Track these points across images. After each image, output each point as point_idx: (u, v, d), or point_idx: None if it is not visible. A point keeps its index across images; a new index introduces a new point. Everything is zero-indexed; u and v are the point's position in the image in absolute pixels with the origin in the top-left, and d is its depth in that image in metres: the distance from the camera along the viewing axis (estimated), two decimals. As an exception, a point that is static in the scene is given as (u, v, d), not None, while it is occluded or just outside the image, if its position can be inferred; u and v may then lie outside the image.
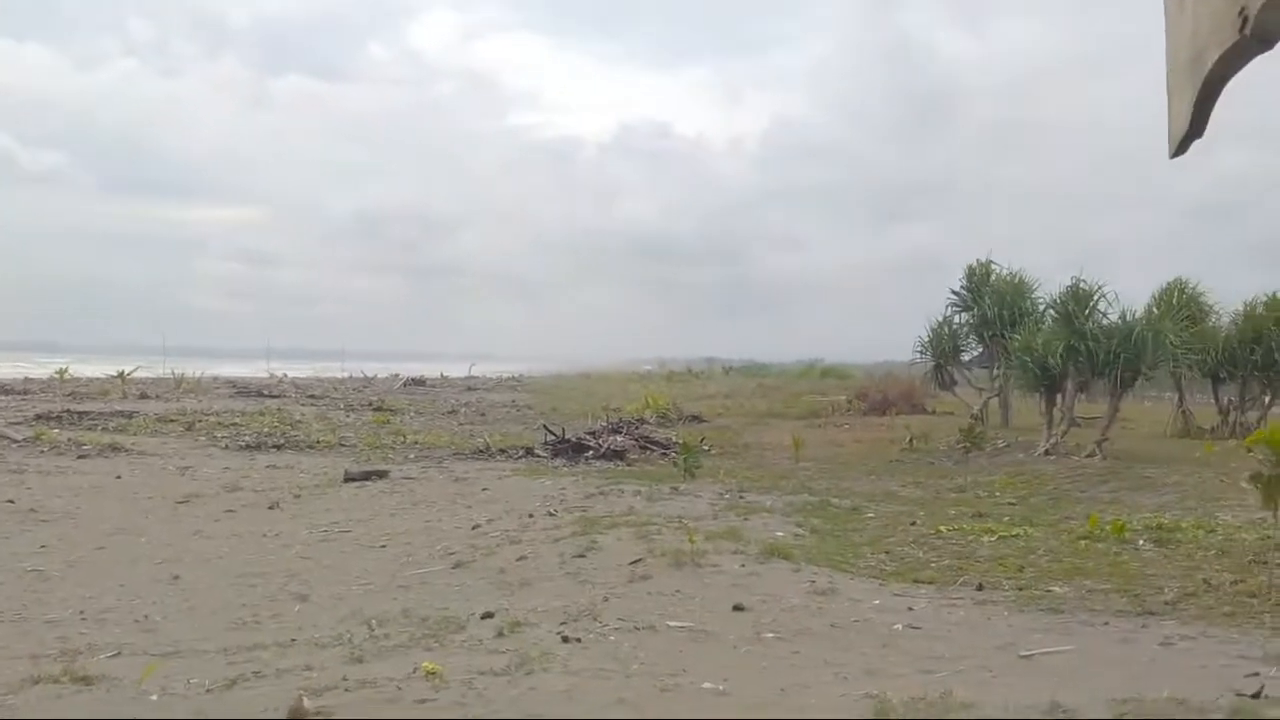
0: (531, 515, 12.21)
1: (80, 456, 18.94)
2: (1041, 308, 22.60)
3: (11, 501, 13.51)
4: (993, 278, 24.06)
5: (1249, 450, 8.78)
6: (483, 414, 33.45)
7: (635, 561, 9.21)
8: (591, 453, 20.29)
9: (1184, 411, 23.49)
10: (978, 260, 24.55)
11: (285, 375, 58.06)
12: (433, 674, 5.80)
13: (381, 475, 16.01)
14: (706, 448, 22.14)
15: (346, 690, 5.62)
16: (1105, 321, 19.05)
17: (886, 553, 10.35)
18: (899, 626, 7.27)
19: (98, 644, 7.02)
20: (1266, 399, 22.81)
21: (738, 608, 7.66)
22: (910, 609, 7.84)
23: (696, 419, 30.79)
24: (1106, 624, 7.42)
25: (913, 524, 11.96)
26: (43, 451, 19.46)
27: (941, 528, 11.52)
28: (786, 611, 7.62)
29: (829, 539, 11.14)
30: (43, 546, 10.85)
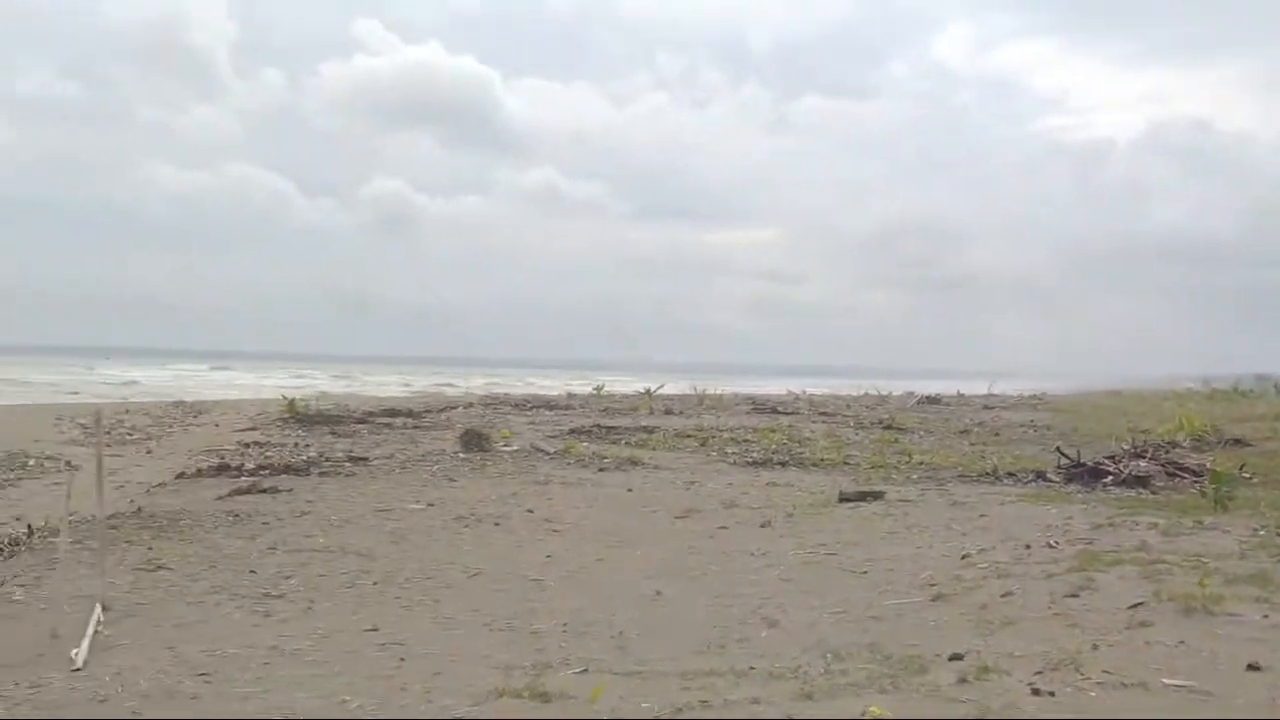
0: (1029, 546, 11.32)
1: (600, 470, 20.19)
2: None
3: (531, 511, 14.59)
4: None
5: None
6: (996, 434, 32.09)
7: (1135, 605, 8.19)
8: (1110, 479, 18.71)
9: None
10: None
11: (804, 392, 59.31)
12: (879, 720, 5.37)
13: (877, 496, 15.64)
14: (1246, 475, 19.77)
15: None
16: None
17: None
18: None
19: (571, 659, 7.23)
20: None
21: (1253, 667, 6.54)
22: None
23: (1239, 443, 27.64)
24: None
25: None
26: (569, 464, 20.94)
27: None
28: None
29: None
30: (548, 556, 11.54)
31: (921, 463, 22.34)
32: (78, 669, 6.90)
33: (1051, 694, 5.93)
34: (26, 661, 7.19)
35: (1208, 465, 20.04)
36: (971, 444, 28.44)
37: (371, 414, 35.30)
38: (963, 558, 10.85)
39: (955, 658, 6.80)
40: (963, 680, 6.22)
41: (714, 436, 28.03)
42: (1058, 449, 21.19)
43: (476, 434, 23.92)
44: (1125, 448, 21.53)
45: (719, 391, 49.73)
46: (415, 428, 30.79)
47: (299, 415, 33.21)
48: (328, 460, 20.82)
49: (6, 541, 12.07)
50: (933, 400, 50.72)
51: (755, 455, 23.39)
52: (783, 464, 21.94)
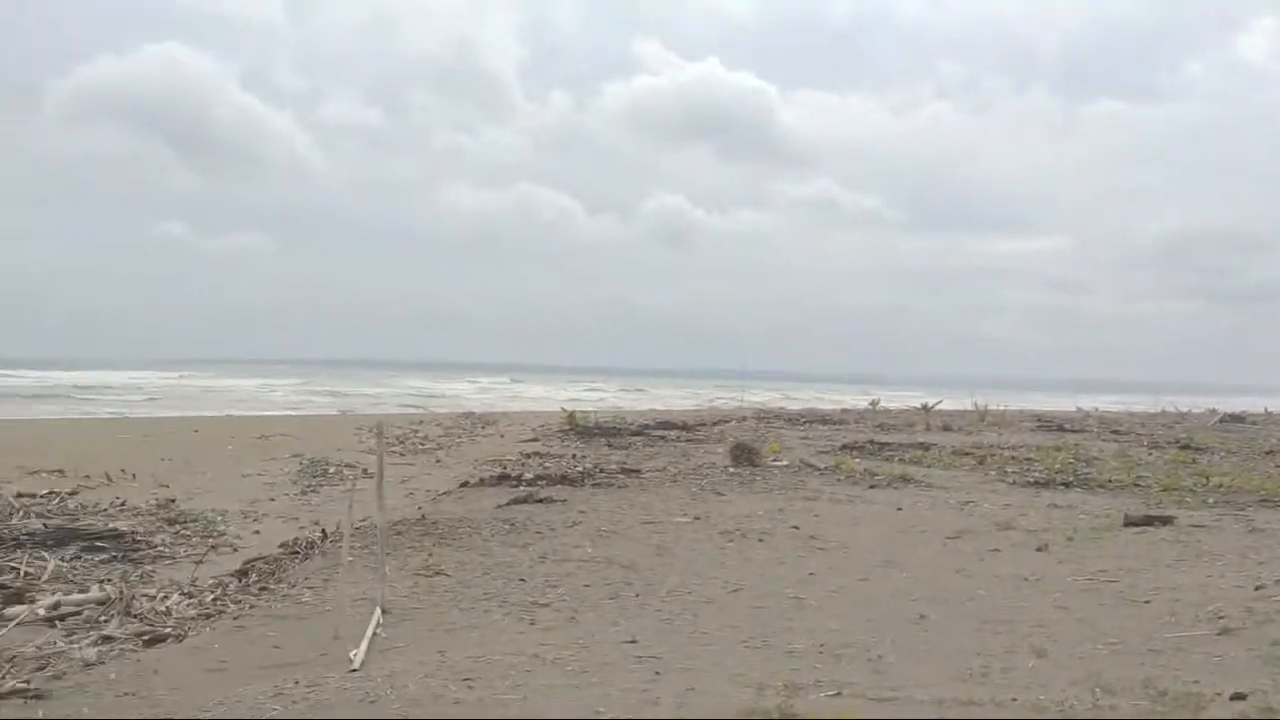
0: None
1: (871, 486, 19.85)
2: None
3: (796, 528, 14.49)
4: None
5: None
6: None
7: None
8: None
9: None
10: None
11: (1094, 409, 56.59)
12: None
13: (1166, 521, 14.69)
14: None
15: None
16: None
17: None
18: None
19: (824, 680, 7.12)
20: None
21: None
22: None
23: None
24: None
25: None
26: (838, 480, 20.69)
27: None
28: None
29: None
30: (810, 574, 11.43)
31: (1219, 485, 20.86)
32: (354, 670, 7.32)
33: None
34: (309, 661, 7.70)
35: None
36: (1277, 465, 26.35)
37: (646, 427, 36.05)
38: (1257, 589, 10.07)
39: (1237, 697, 6.32)
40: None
41: (993, 455, 27.09)
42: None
43: (746, 448, 24.00)
44: None
45: (1001, 407, 47.95)
46: (688, 441, 31.21)
47: (578, 427, 34.27)
48: (601, 471, 21.36)
49: (302, 545, 12.98)
50: (1236, 419, 47.36)
51: (1037, 475, 22.43)
52: (1066, 485, 20.95)
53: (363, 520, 13.69)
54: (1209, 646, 8.04)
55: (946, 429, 38.06)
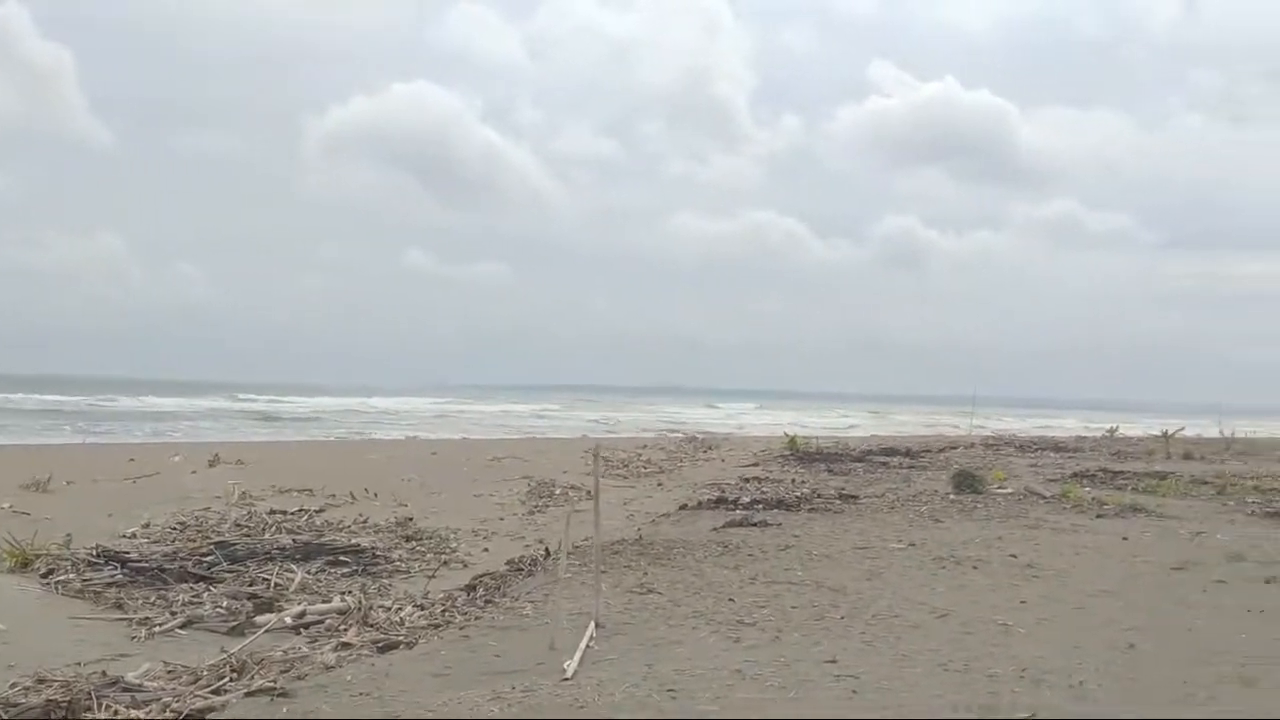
0: None
1: (1098, 516, 19.31)
2: None
3: (1014, 556, 14.32)
4: None
5: None
6: None
7: None
8: None
9: None
10: None
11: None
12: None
13: None
14: None
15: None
16: None
17: None
18: None
19: (1020, 704, 7.21)
20: None
21: None
22: None
23: None
24: None
25: None
26: (1064, 509, 20.21)
27: None
28: None
29: None
30: (1022, 602, 11.35)
31: None
32: (566, 679, 7.83)
33: None
34: (526, 669, 8.25)
35: None
36: None
37: (869, 453, 35.89)
38: None
39: None
40: None
41: (1235, 484, 25.83)
42: None
43: (969, 475, 23.69)
44: None
45: (1251, 434, 45.45)
46: (910, 467, 30.95)
47: (799, 452, 34.41)
48: (819, 496, 21.51)
49: (526, 563, 13.72)
50: None
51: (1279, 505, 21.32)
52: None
53: (584, 540, 14.33)
54: None
55: (1188, 457, 36.40)
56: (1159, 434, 41.28)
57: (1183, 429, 43.15)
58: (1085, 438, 47.88)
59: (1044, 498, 21.93)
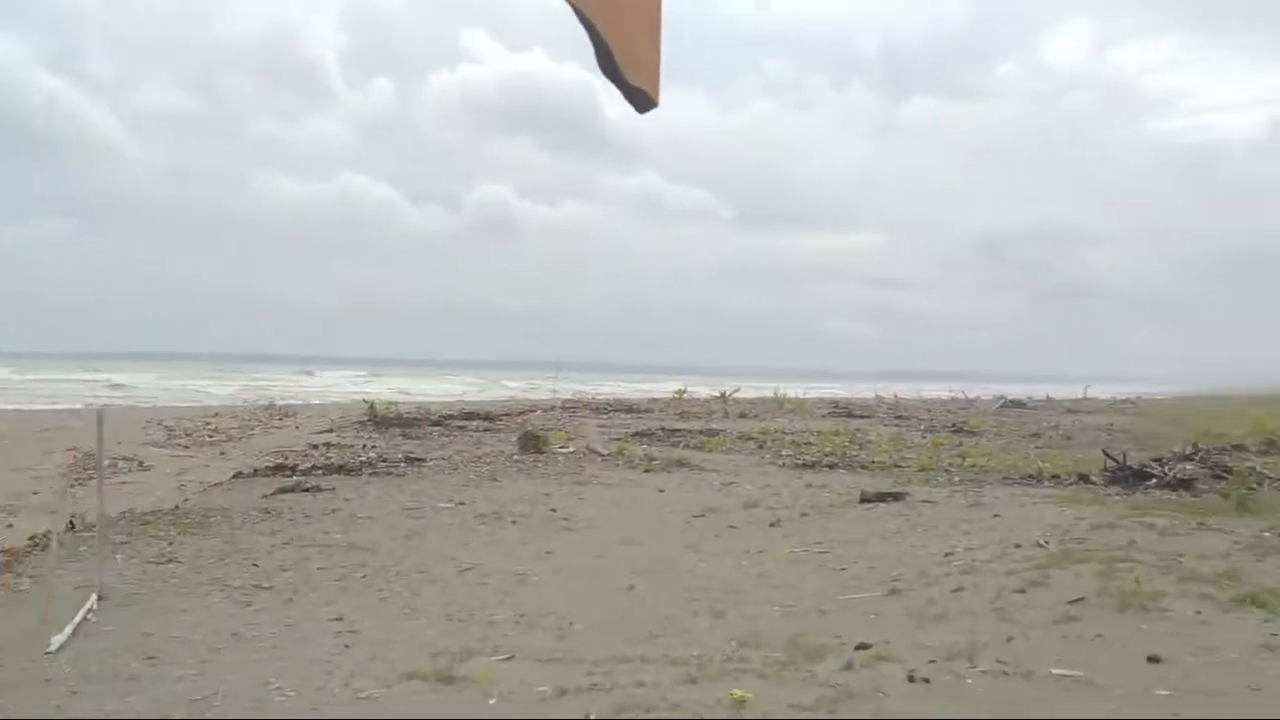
0: (1019, 545, 11.40)
1: (646, 471, 20.49)
2: None
3: (554, 510, 14.96)
4: None
5: None
6: (1069, 437, 31.69)
7: (1075, 601, 8.31)
8: (1154, 481, 18.46)
9: None
10: None
11: (894, 396, 58.95)
12: (740, 702, 5.67)
13: (898, 497, 15.72)
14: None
15: (646, 712, 5.64)
16: None
17: None
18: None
19: (504, 647, 7.60)
20: None
21: (1153, 659, 6.67)
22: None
23: (1314, 445, 26.94)
24: None
25: None
26: (618, 466, 21.30)
27: None
28: (1214, 667, 6.52)
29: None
30: (548, 553, 11.90)
31: (973, 465, 22.21)
32: (49, 651, 7.47)
33: (926, 680, 6.14)
34: (8, 645, 7.79)
35: (1257, 469, 19.70)
36: (1037, 447, 28.16)
37: (449, 417, 36.11)
38: (945, 555, 10.99)
39: (862, 647, 7.02)
40: (847, 668, 6.48)
41: (777, 439, 28.14)
42: (1104, 451, 20.90)
43: (533, 436, 24.42)
44: (1175, 450, 21.17)
45: (802, 395, 49.67)
46: (486, 430, 31.46)
47: (377, 418, 34.15)
48: (384, 461, 21.47)
49: (49, 537, 12.86)
50: (1017, 404, 50.10)
51: (809, 458, 23.45)
52: (831, 466, 22.00)
53: (125, 511, 13.67)
54: (873, 606, 8.81)
55: (743, 416, 39.26)
56: (719, 395, 44.29)
57: (739, 390, 46.50)
58: (657, 399, 50.46)
59: (601, 455, 22.99)
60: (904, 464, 22.49)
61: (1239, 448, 25.27)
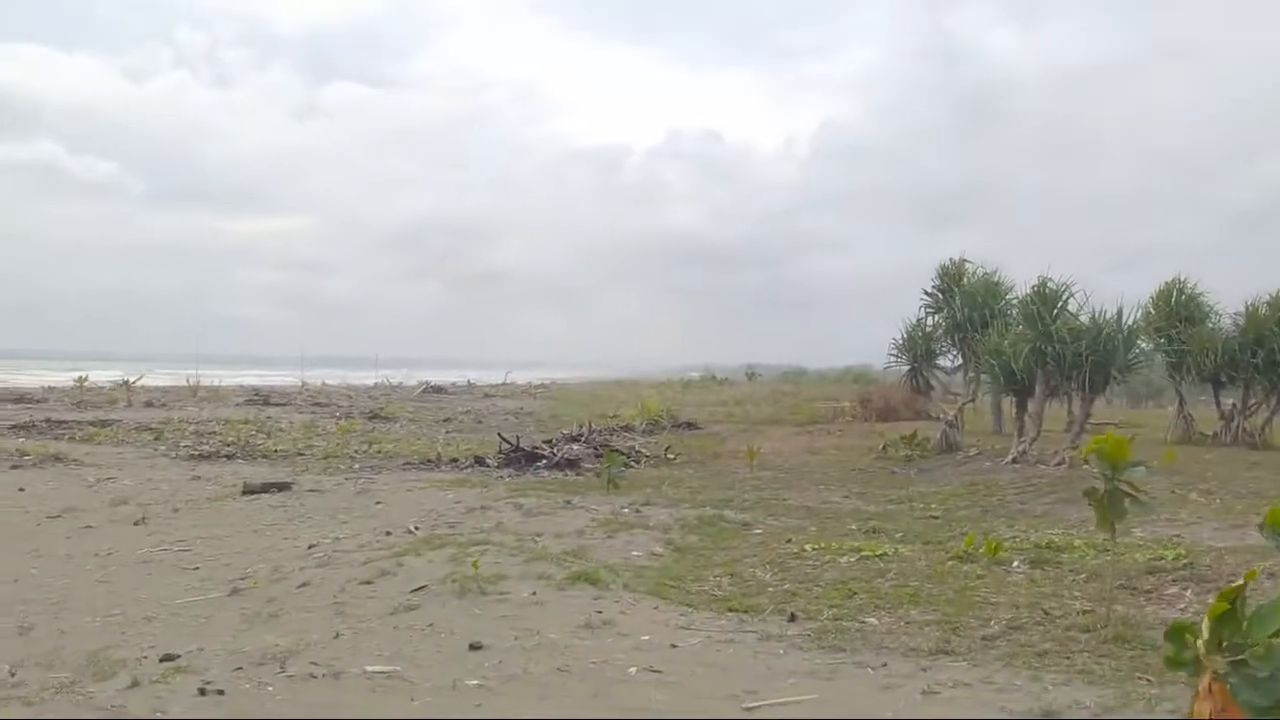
0: (389, 532, 11.37)
1: (14, 467, 18.43)
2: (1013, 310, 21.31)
3: (-125, 517, 12.94)
4: (965, 279, 22.76)
5: (1087, 462, 7.72)
6: (480, 421, 32.75)
7: (418, 589, 8.31)
8: (545, 462, 19.41)
9: (1185, 416, 22.14)
10: (950, 259, 23.37)
11: (322, 383, 58.03)
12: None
13: (283, 488, 15.25)
14: (670, 456, 21.26)
15: None
16: (1074, 323, 17.78)
17: (731, 575, 9.38)
18: (633, 670, 6.31)
19: None
20: (1273, 402, 21.38)
21: (475, 646, 6.73)
22: (675, 645, 6.87)
23: (691, 425, 29.85)
24: (884, 665, 6.41)
25: (788, 541, 10.95)
26: (-21, 463, 18.97)
27: (809, 546, 10.52)
28: (530, 650, 6.67)
29: (686, 558, 10.22)
30: None
31: (379, 451, 22.20)
32: None
33: (221, 692, 5.76)
34: None
35: (637, 448, 21.38)
36: (449, 432, 28.73)
37: None
38: (310, 548, 10.66)
39: (167, 658, 6.49)
40: (134, 685, 5.91)
41: (178, 429, 26.47)
42: (499, 435, 21.72)
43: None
44: (565, 432, 22.47)
45: (217, 383, 47.49)
46: None
47: None
48: None
49: None
50: (437, 390, 51.19)
51: (208, 448, 22.25)
52: (230, 457, 21.03)
53: None
54: (208, 608, 8.17)
55: (150, 405, 36.77)
56: (123, 383, 41.34)
57: (142, 377, 43.74)
58: (56, 388, 46.07)
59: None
60: (308, 452, 22.02)
61: (627, 428, 27.38)
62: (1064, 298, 18.27)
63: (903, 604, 8.03)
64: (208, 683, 5.89)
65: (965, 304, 21.78)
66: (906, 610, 7.84)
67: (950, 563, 9.45)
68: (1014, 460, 17.63)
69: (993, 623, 7.39)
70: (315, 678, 6.07)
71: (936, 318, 23.01)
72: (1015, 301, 21.07)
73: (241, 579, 9.22)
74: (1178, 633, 3.69)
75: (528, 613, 7.66)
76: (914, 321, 22.94)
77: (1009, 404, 22.92)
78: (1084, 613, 7.55)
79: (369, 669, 6.26)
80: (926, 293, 23.19)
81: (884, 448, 19.99)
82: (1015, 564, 9.32)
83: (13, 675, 6.26)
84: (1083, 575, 8.82)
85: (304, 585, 8.75)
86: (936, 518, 13.07)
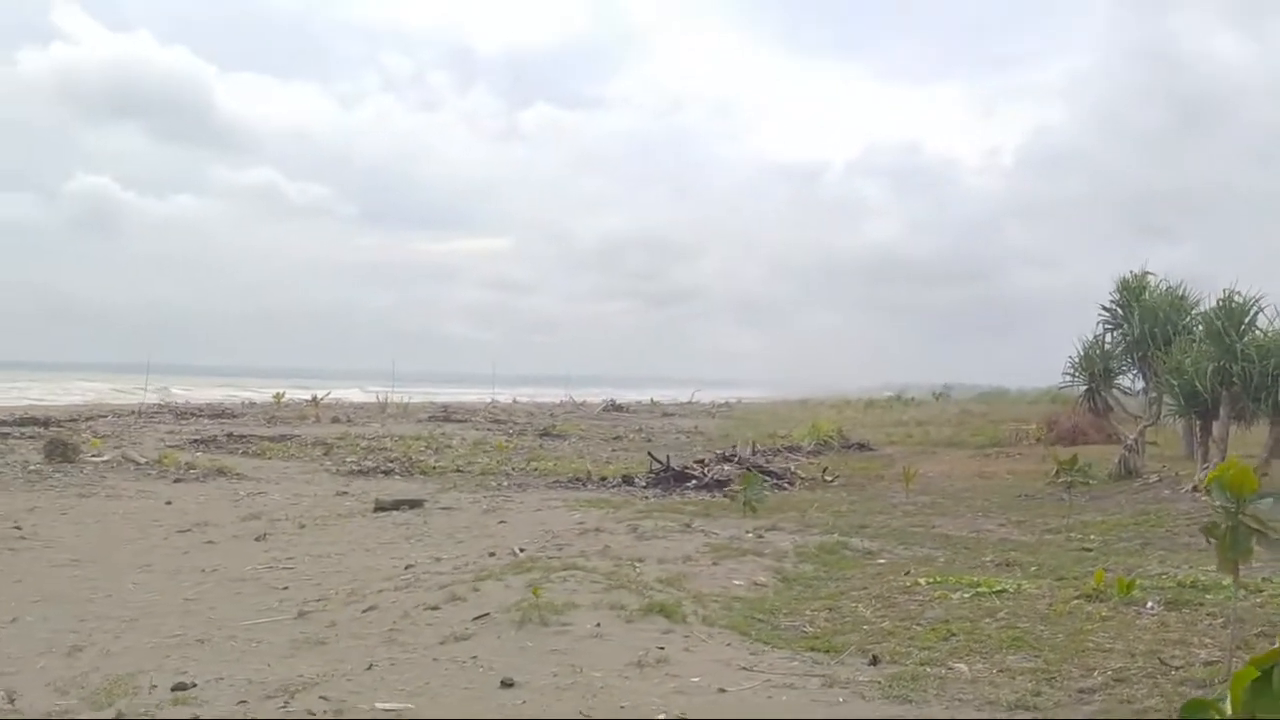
0: (493, 553, 10.94)
1: (177, 480, 18.88)
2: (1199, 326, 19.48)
3: (17, 527, 13.23)
4: (1147, 292, 20.96)
5: (1208, 493, 6.62)
6: (649, 440, 32.31)
7: (479, 617, 7.79)
8: (694, 482, 18.81)
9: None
10: (1131, 272, 21.61)
11: (513, 400, 58.93)
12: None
13: (414, 505, 15.07)
14: (828, 478, 20.34)
15: None
16: (1264, 340, 16.08)
17: (831, 609, 8.60)
18: (661, 717, 5.63)
19: None
20: None
21: (506, 684, 6.17)
22: (723, 689, 6.15)
23: (862, 446, 28.74)
24: (951, 724, 5.55)
25: (906, 573, 10.02)
26: (149, 475, 19.53)
27: (924, 580, 9.56)
28: (563, 690, 6.10)
29: (790, 589, 9.48)
30: (-41, 576, 10.34)
31: (537, 469, 22.03)
32: None
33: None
34: None
35: (793, 469, 20.52)
36: (613, 450, 28.43)
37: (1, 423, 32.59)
38: (406, 568, 10.32)
39: (179, 688, 6.13)
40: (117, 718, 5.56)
41: (351, 445, 26.95)
42: (649, 454, 21.18)
43: (61, 443, 22.12)
44: (719, 451, 21.79)
45: (406, 399, 48.55)
46: (30, 437, 28.48)
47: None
48: None
49: None
50: (617, 407, 51.12)
51: (370, 464, 22.48)
52: (387, 473, 21.16)
53: None
54: (270, 632, 7.84)
55: (336, 420, 37.76)
56: (311, 399, 42.65)
57: (330, 394, 45.04)
58: (256, 404, 47.99)
59: (136, 464, 21.10)
60: (468, 469, 21.98)
61: (793, 449, 26.50)
62: (1253, 312, 16.59)
63: (1002, 648, 7.08)
64: (198, 718, 5.48)
65: (1145, 320, 20.09)
66: (1004, 656, 6.89)
67: (1074, 602, 8.37)
68: (1194, 488, 16.06)
69: (1096, 673, 6.39)
70: (314, 715, 5.58)
71: (1115, 334, 21.31)
72: (1200, 317, 19.29)
73: (318, 600, 8.91)
74: (1196, 709, 2.80)
75: (582, 647, 7.07)
76: (1091, 339, 21.32)
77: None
78: (1209, 664, 6.46)
79: (379, 706, 5.76)
80: (1104, 308, 21.52)
81: (1056, 473, 18.49)
82: (1149, 605, 8.19)
83: (11, 702, 6.00)
84: (1220, 620, 7.63)
85: (370, 609, 8.36)
86: (1089, 550, 11.85)
